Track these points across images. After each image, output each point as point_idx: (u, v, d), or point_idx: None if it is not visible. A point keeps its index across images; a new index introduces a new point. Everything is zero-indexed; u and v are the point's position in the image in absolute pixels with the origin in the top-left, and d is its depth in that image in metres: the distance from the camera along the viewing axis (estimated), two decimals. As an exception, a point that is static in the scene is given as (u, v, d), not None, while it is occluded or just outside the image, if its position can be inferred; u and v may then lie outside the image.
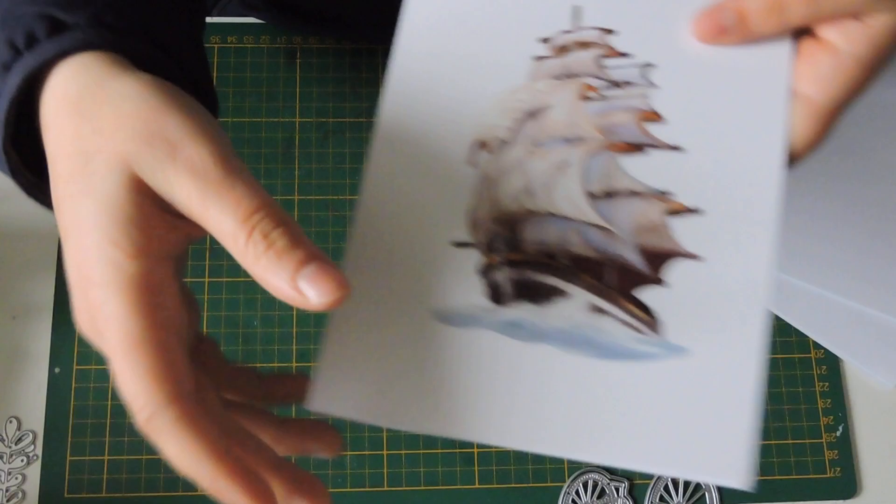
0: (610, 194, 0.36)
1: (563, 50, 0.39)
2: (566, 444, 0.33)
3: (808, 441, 0.68)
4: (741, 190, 0.36)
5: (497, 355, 0.33)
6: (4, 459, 0.64)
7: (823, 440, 0.68)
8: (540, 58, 0.38)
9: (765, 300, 0.34)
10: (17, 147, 0.36)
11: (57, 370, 0.66)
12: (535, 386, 0.33)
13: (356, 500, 0.64)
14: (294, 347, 0.67)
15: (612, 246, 0.35)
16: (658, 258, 0.35)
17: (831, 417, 0.68)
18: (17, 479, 0.64)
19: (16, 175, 0.37)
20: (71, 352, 0.66)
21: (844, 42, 0.37)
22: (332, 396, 0.33)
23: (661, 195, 0.36)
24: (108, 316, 0.31)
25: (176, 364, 0.30)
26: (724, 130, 0.37)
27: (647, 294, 0.34)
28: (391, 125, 0.37)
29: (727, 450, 0.32)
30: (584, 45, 0.38)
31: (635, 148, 0.36)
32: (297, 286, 0.29)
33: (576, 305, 0.34)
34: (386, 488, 0.64)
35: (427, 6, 0.38)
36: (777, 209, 0.36)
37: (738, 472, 0.32)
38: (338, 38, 0.74)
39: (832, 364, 0.69)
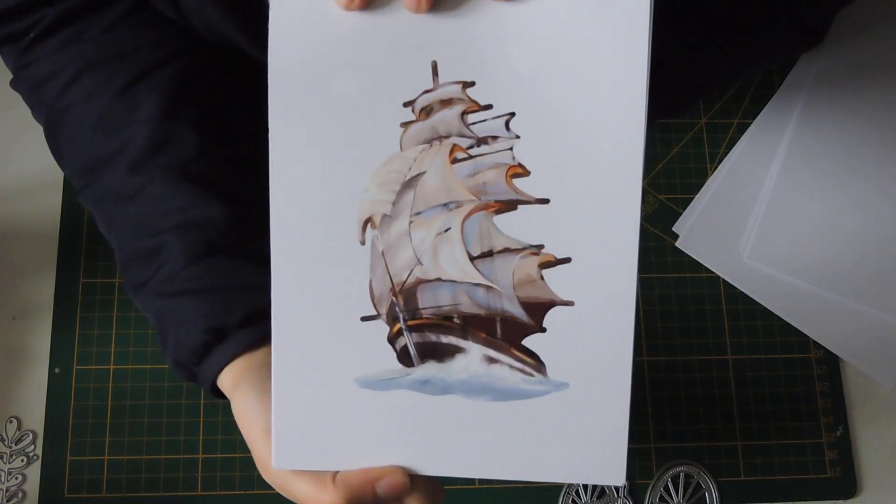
0: (489, 253, 0.39)
1: (427, 111, 0.39)
2: (478, 467, 0.41)
3: (808, 441, 0.68)
4: (604, 236, 0.39)
5: (413, 410, 0.40)
6: (4, 459, 0.64)
7: (823, 440, 0.68)
8: (406, 123, 0.39)
9: (629, 335, 0.39)
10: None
11: (57, 370, 0.66)
12: (445, 429, 0.40)
13: (356, 500, 0.64)
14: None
15: (497, 302, 0.40)
16: (538, 308, 0.39)
17: (831, 417, 0.68)
18: (17, 479, 0.64)
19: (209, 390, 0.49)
20: (71, 352, 0.66)
21: None
22: (288, 457, 0.41)
23: (535, 249, 0.39)
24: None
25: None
26: (584, 176, 0.38)
27: (531, 341, 0.40)
28: (284, 214, 0.39)
29: (605, 457, 0.40)
30: (447, 102, 0.39)
31: (507, 205, 0.39)
32: None
33: (473, 359, 0.40)
34: (386, 488, 0.64)
35: (291, 90, 0.39)
36: (635, 255, 0.39)
37: (615, 473, 0.40)
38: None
39: (832, 364, 0.69)
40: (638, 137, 0.38)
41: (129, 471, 0.64)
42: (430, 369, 0.40)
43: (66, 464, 0.64)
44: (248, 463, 0.64)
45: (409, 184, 0.39)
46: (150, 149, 0.49)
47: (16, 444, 0.64)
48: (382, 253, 0.40)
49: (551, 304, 0.39)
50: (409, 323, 0.40)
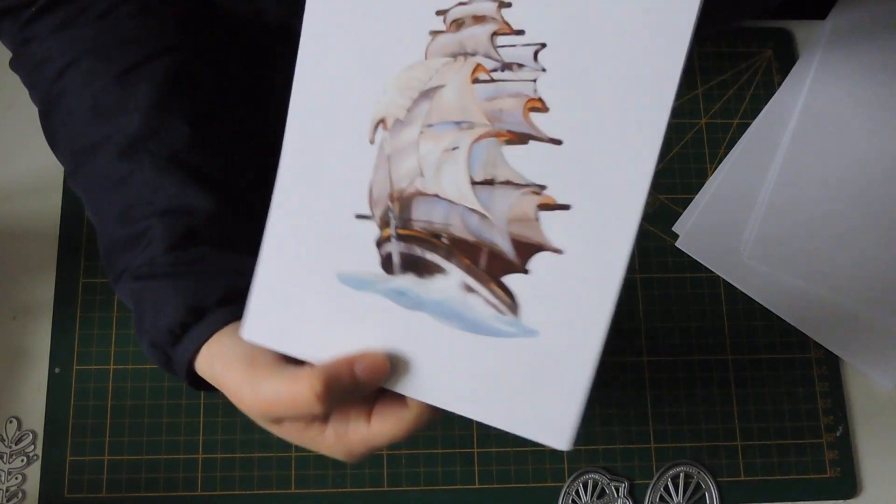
0: (491, 182, 0.38)
1: (458, 24, 0.37)
2: (428, 391, 0.40)
3: (808, 441, 0.68)
4: (610, 189, 0.37)
5: (384, 317, 0.40)
6: (4, 459, 0.64)
7: (823, 440, 0.68)
8: (436, 32, 0.38)
9: (614, 297, 0.37)
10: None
11: (57, 370, 0.66)
12: (410, 346, 0.40)
13: (356, 500, 0.64)
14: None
15: (488, 232, 0.38)
16: (527, 249, 0.38)
17: (831, 417, 0.68)
18: (17, 479, 0.64)
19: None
20: (71, 352, 0.66)
21: None
22: (259, 330, 0.41)
23: (537, 188, 0.38)
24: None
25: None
26: (604, 124, 0.36)
27: (511, 280, 0.38)
28: (304, 98, 0.39)
29: (554, 417, 0.38)
30: (479, 19, 0.37)
31: (519, 138, 0.37)
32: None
33: (451, 282, 0.39)
34: (386, 488, 0.65)
35: None
36: (638, 215, 0.37)
37: (562, 436, 0.38)
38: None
39: (832, 364, 0.69)
40: (670, 90, 0.35)
41: (129, 471, 0.64)
42: (407, 281, 0.39)
43: (66, 464, 0.64)
44: (249, 463, 0.65)
45: (427, 94, 0.38)
46: (142, 136, 0.49)
47: (16, 444, 0.64)
48: (388, 157, 0.39)
49: (540, 247, 0.38)
50: (400, 231, 0.39)
